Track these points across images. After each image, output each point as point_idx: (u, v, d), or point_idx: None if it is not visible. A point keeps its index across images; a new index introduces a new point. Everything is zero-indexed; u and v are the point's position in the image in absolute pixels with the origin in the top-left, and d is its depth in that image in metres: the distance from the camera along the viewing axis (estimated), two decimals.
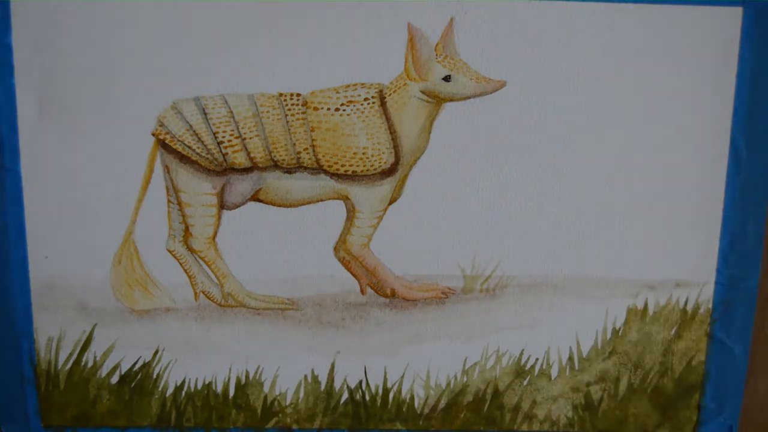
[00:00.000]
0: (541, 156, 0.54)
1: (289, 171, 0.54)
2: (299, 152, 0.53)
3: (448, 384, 0.58)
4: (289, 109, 0.52)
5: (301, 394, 0.57)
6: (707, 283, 0.56)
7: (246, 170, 0.54)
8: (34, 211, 0.53)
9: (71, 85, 0.51)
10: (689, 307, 0.57)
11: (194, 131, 0.52)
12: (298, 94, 0.52)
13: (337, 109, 0.52)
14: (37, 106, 0.52)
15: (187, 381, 0.57)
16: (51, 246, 0.54)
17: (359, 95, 0.52)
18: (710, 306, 0.57)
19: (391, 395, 0.58)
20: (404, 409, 0.58)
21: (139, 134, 0.53)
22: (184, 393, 0.57)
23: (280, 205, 0.55)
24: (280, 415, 0.58)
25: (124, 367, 0.57)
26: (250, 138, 0.53)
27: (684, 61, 0.52)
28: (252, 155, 0.53)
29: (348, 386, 0.57)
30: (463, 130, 0.53)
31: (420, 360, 0.57)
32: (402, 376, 0.57)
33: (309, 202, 0.55)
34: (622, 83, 0.52)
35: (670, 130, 0.53)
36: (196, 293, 0.56)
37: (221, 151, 0.53)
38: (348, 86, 0.52)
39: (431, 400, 0.58)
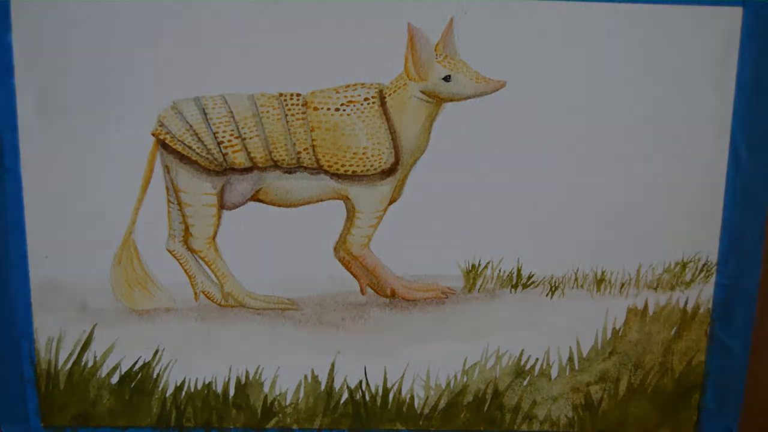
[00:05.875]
0: (541, 156, 0.54)
1: (289, 171, 0.54)
2: (299, 152, 0.53)
3: (448, 384, 0.58)
4: (289, 109, 0.52)
5: (301, 394, 0.57)
6: (707, 284, 0.56)
7: (246, 170, 0.54)
8: (34, 211, 0.53)
9: (71, 85, 0.51)
10: (689, 307, 0.57)
11: (194, 131, 0.52)
12: (298, 94, 0.52)
13: (337, 109, 0.52)
14: (37, 106, 0.52)
15: (187, 381, 0.57)
16: (51, 246, 0.54)
17: (359, 95, 0.52)
18: (710, 306, 0.57)
19: (391, 395, 0.58)
20: (404, 409, 0.58)
21: (139, 134, 0.53)
22: (184, 393, 0.57)
23: (280, 205, 0.55)
24: (280, 415, 0.58)
25: (124, 367, 0.56)
26: (250, 138, 0.53)
27: (684, 61, 0.52)
28: (252, 155, 0.53)
29: (348, 386, 0.57)
30: (463, 130, 0.53)
31: (420, 360, 0.57)
32: (402, 376, 0.57)
33: (309, 202, 0.55)
34: (622, 83, 0.52)
35: (671, 130, 0.53)
36: (196, 293, 0.56)
37: (221, 151, 0.53)
38: (348, 86, 0.52)
39: (431, 400, 0.58)
